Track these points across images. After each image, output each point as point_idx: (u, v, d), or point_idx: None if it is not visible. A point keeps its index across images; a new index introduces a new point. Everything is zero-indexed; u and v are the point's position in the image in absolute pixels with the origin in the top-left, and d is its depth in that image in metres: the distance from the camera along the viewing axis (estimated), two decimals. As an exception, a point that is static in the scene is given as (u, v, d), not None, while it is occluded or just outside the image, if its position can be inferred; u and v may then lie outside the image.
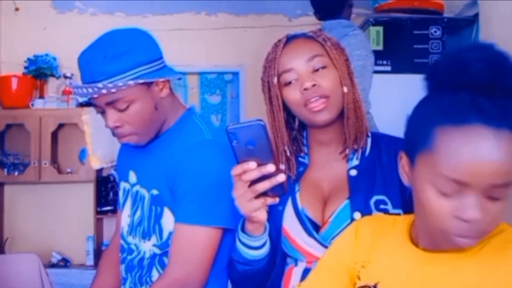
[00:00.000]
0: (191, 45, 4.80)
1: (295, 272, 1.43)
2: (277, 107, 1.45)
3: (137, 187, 1.70)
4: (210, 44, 4.81)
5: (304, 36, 1.47)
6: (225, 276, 1.63)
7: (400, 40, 3.17)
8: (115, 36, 1.56)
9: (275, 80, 1.43)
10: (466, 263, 1.04)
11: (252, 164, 1.19)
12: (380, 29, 3.17)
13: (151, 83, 1.56)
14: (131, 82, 1.50)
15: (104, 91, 1.49)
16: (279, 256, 1.45)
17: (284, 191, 1.25)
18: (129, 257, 1.71)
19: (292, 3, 4.82)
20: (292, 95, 1.42)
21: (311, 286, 1.28)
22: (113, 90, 1.50)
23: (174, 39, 4.78)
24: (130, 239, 1.71)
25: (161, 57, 1.62)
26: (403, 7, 3.29)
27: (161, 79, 1.58)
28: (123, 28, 1.61)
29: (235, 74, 4.91)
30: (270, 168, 1.19)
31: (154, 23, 4.79)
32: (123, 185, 1.77)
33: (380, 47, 3.17)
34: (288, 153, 1.47)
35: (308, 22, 4.60)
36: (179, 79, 1.67)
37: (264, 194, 1.24)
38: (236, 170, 1.22)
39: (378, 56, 3.15)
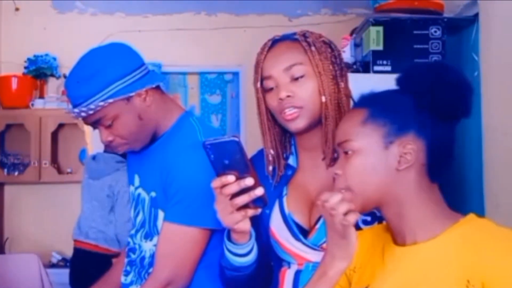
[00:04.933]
0: (191, 45, 4.80)
1: (288, 275, 1.44)
2: (261, 110, 1.47)
3: (139, 190, 1.74)
4: (210, 44, 4.81)
5: (289, 39, 1.46)
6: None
7: (400, 40, 3.16)
8: (88, 58, 1.63)
9: (258, 84, 1.45)
10: (437, 250, 1.12)
11: (231, 178, 1.22)
12: (380, 29, 3.16)
13: (130, 96, 1.60)
14: (101, 103, 1.56)
15: (83, 114, 1.58)
16: (273, 258, 1.46)
17: (264, 203, 1.27)
18: (133, 256, 1.76)
19: (292, 3, 4.82)
20: (271, 102, 1.44)
21: None
22: (90, 112, 1.58)
23: (174, 39, 4.78)
24: (134, 239, 1.76)
25: (139, 67, 1.64)
26: (403, 7, 3.28)
27: (143, 90, 1.61)
28: (98, 47, 1.68)
29: (235, 74, 4.91)
30: (249, 182, 1.22)
31: (154, 23, 4.79)
32: (130, 188, 1.81)
33: (380, 47, 3.15)
34: (271, 157, 1.48)
35: (308, 22, 4.60)
36: (161, 82, 1.70)
37: (245, 206, 1.26)
38: (216, 183, 1.24)
39: (378, 56, 3.15)
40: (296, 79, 1.41)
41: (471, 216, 1.15)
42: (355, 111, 1.21)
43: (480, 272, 1.04)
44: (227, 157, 1.21)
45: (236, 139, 1.20)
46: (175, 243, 1.59)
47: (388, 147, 1.15)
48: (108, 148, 1.71)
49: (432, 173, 1.17)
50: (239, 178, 1.22)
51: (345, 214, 1.11)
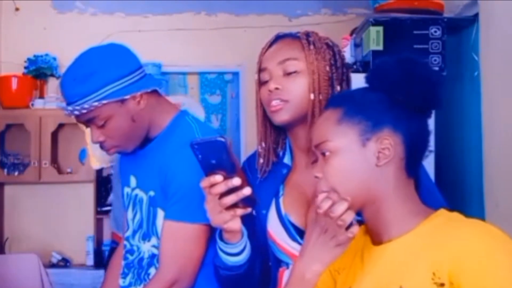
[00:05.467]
0: (191, 45, 4.80)
1: (286, 275, 1.43)
2: (257, 103, 1.49)
3: (137, 191, 1.74)
4: (210, 44, 4.81)
5: (291, 36, 1.48)
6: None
7: (400, 40, 3.16)
8: (86, 57, 1.63)
9: (256, 76, 1.48)
10: (407, 246, 1.12)
11: (218, 177, 1.23)
12: (380, 29, 3.16)
13: (125, 98, 1.60)
14: (95, 103, 1.57)
15: (76, 112, 1.59)
16: (271, 258, 1.46)
17: (253, 202, 1.28)
18: (130, 257, 1.75)
19: (292, 3, 4.82)
20: (263, 94, 1.46)
21: None
22: (84, 111, 1.58)
23: (174, 39, 4.78)
24: (131, 241, 1.76)
25: (136, 69, 1.64)
26: (403, 7, 3.28)
27: (138, 93, 1.62)
28: (97, 46, 1.69)
29: (235, 74, 4.91)
30: (236, 181, 1.23)
31: (154, 23, 4.79)
32: (126, 190, 1.81)
33: (380, 47, 3.15)
34: (261, 149, 1.50)
35: (308, 22, 4.60)
36: (159, 86, 1.70)
37: (235, 205, 1.27)
38: (204, 182, 1.26)
39: (378, 56, 3.15)
40: (289, 74, 1.43)
41: (441, 211, 1.15)
42: (329, 112, 1.20)
43: (445, 263, 1.04)
44: (214, 157, 1.22)
45: (222, 139, 1.21)
46: (179, 241, 1.60)
47: (365, 144, 1.14)
48: (102, 149, 1.70)
49: (410, 167, 1.17)
50: (226, 177, 1.23)
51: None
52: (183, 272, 1.59)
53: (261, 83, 1.47)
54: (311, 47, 1.44)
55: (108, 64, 1.60)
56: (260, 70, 1.47)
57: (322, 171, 1.16)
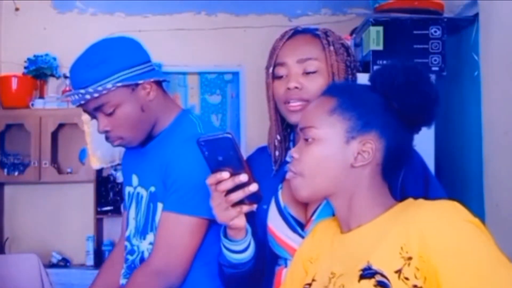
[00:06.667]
0: (191, 45, 4.80)
1: (284, 275, 1.43)
2: (268, 96, 1.49)
3: (138, 189, 1.75)
4: (210, 44, 4.81)
5: (311, 33, 1.48)
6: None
7: (400, 40, 3.16)
8: (99, 45, 1.65)
9: (271, 69, 1.48)
10: (377, 227, 1.14)
11: (225, 174, 1.24)
12: (380, 29, 3.16)
13: (136, 86, 1.62)
14: (109, 85, 1.57)
15: (88, 96, 1.58)
16: (267, 255, 1.47)
17: (259, 199, 1.29)
18: (131, 258, 1.75)
19: (292, 3, 4.82)
20: (278, 90, 1.46)
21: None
22: (96, 95, 1.58)
23: (174, 39, 4.78)
24: (134, 241, 1.75)
25: (146, 62, 1.66)
26: (403, 7, 3.29)
27: (145, 82, 1.63)
28: (109, 37, 1.71)
29: (235, 74, 4.91)
30: (243, 178, 1.24)
31: (154, 23, 4.79)
32: (127, 189, 1.81)
33: (380, 47, 3.16)
34: (277, 142, 1.51)
35: (308, 22, 4.59)
36: (166, 81, 1.73)
37: (241, 202, 1.27)
38: (210, 179, 1.26)
39: (378, 56, 3.15)
40: (308, 73, 1.43)
41: (409, 199, 1.17)
42: (324, 99, 1.21)
43: (412, 238, 1.06)
44: (221, 154, 1.22)
45: (229, 135, 1.21)
46: (170, 232, 1.59)
47: (349, 142, 1.16)
48: (107, 141, 1.69)
49: (386, 173, 1.19)
50: (233, 174, 1.24)
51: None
52: (168, 263, 1.58)
53: (275, 77, 1.47)
54: (331, 48, 1.45)
55: (120, 53, 1.62)
56: (276, 64, 1.47)
57: (301, 153, 1.18)
